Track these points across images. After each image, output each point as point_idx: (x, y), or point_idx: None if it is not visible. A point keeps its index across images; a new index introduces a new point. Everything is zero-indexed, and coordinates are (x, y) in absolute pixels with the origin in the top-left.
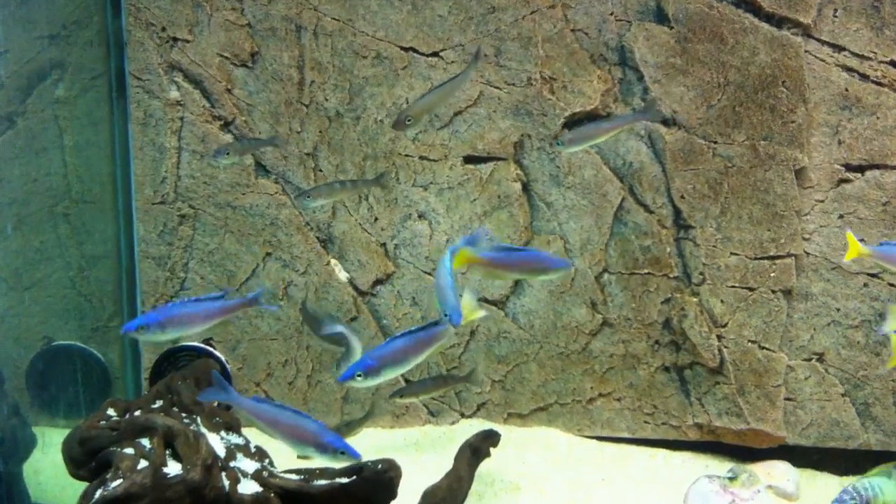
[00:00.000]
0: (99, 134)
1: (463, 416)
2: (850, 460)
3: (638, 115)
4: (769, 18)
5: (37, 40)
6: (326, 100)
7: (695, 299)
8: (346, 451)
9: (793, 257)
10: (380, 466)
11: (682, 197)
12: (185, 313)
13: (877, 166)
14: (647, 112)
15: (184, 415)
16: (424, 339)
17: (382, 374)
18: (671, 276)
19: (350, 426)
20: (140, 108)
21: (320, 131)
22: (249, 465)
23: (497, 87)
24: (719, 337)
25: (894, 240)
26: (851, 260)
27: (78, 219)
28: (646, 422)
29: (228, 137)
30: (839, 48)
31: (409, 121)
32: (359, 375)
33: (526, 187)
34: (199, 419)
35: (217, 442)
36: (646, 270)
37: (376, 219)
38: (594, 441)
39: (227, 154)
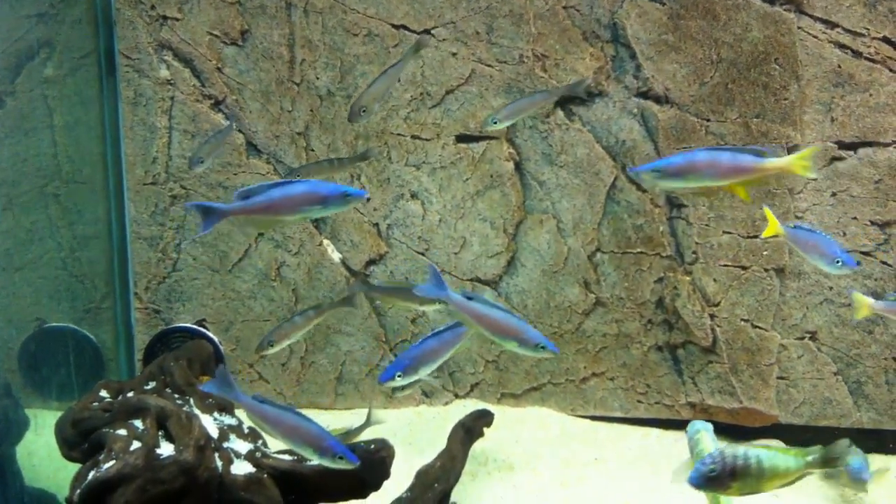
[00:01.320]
0: (89, 113)
1: (457, 396)
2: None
3: (564, 88)
4: None
5: (25, 19)
6: (317, 78)
7: (687, 278)
8: (346, 457)
9: None
10: (373, 446)
11: None
12: None
13: (869, 144)
14: (575, 86)
15: (177, 396)
16: (451, 339)
17: (419, 372)
18: (664, 254)
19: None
20: (130, 87)
21: (311, 110)
22: (242, 446)
23: (489, 65)
24: (712, 316)
25: (807, 223)
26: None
27: (69, 199)
28: (639, 401)
29: (219, 117)
30: (832, 24)
31: (363, 111)
32: (399, 375)
33: (518, 166)
34: (192, 400)
35: (210, 423)
36: (638, 249)
37: (368, 199)
38: (587, 420)
39: (202, 161)
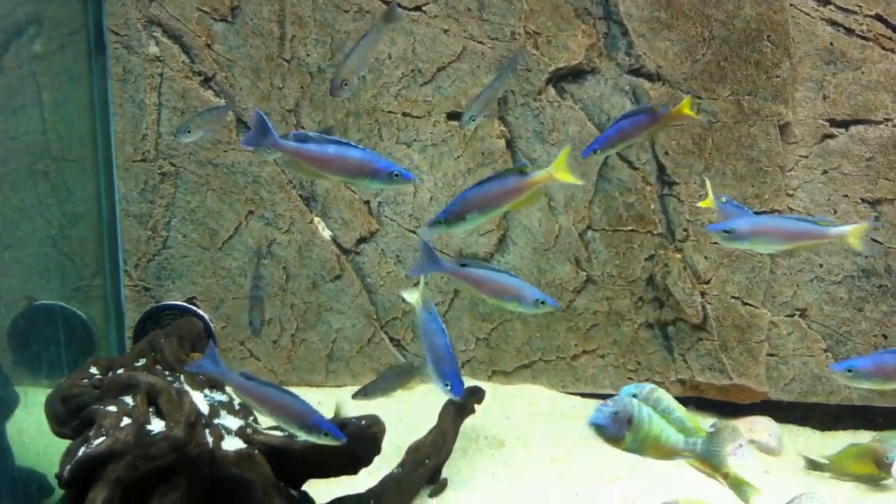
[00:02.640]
0: (78, 90)
1: None
2: (832, 415)
3: (512, 63)
4: None
5: None
6: (308, 55)
7: (678, 256)
8: (331, 433)
9: (776, 213)
10: (364, 422)
11: (667, 153)
12: None
13: (861, 121)
14: (516, 58)
15: (167, 372)
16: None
17: None
18: (655, 232)
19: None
20: (119, 63)
21: (302, 87)
22: (233, 422)
23: (480, 42)
24: (703, 293)
25: (737, 200)
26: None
27: (58, 177)
28: (629, 378)
29: (209, 94)
30: (824, 2)
31: (344, 84)
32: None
33: (510, 144)
34: (182, 377)
35: (200, 399)
36: (630, 227)
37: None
38: (578, 397)
39: (189, 132)
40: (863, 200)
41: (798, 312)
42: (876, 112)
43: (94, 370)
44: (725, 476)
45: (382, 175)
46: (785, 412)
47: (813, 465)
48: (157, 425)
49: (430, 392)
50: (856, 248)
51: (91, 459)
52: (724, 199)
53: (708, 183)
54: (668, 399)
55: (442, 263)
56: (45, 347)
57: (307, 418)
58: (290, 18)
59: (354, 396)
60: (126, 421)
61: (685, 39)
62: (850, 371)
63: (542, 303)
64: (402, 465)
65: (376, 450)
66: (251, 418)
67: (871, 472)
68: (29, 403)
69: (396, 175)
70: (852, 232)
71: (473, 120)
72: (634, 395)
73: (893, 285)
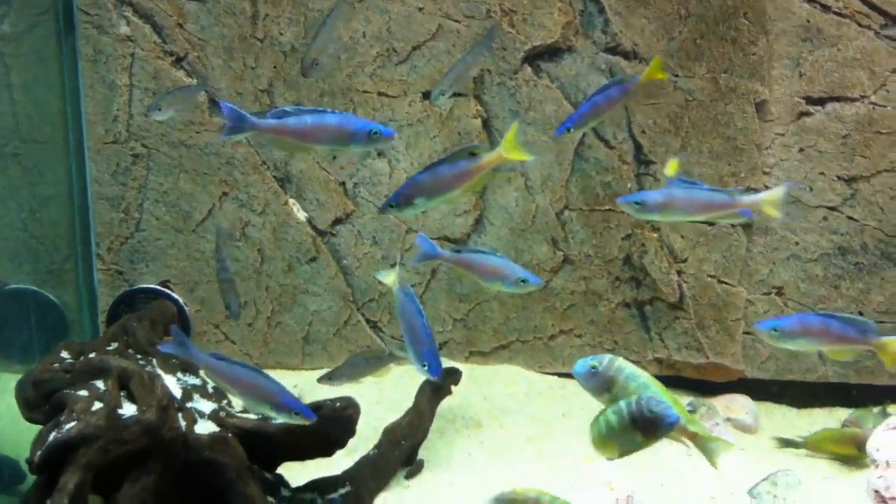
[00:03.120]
0: (48, 71)
1: None
2: (809, 392)
3: (487, 40)
4: None
5: None
6: (281, 34)
7: (655, 235)
8: (302, 412)
9: (752, 191)
10: (338, 404)
11: (643, 132)
12: None
13: (837, 99)
14: (490, 36)
15: (140, 357)
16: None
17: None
18: None
19: None
20: (89, 44)
21: (275, 67)
22: (206, 406)
23: (456, 21)
24: (679, 272)
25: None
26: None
27: (28, 159)
28: None
29: (181, 74)
30: None
31: (315, 64)
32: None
33: (486, 123)
34: (155, 361)
35: (173, 383)
36: (607, 207)
37: (335, 157)
38: (555, 377)
39: (160, 109)
40: (839, 178)
41: (774, 290)
42: (852, 89)
43: (65, 354)
44: (693, 437)
45: (361, 135)
46: (761, 390)
47: (787, 444)
48: (129, 409)
49: (407, 373)
50: (773, 215)
51: (62, 444)
52: (674, 176)
53: (673, 161)
54: (629, 367)
55: (439, 251)
56: (17, 332)
57: (278, 398)
58: None
59: (319, 381)
60: (97, 405)
61: (661, 17)
62: (775, 330)
63: (524, 281)
64: (378, 446)
65: (351, 432)
66: (225, 401)
67: (852, 453)
68: (0, 389)
69: (375, 133)
70: (766, 199)
71: (444, 94)
72: (594, 367)
73: (869, 263)
